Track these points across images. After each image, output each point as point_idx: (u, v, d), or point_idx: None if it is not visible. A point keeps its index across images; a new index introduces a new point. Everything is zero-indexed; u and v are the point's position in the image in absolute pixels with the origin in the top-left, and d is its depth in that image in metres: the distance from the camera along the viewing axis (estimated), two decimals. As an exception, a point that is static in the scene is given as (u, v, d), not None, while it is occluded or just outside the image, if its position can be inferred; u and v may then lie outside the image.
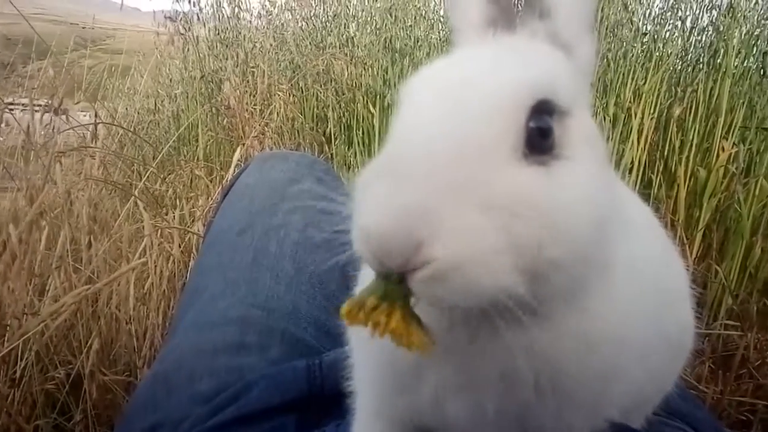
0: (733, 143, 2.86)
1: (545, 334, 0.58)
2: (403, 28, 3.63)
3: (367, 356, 0.74)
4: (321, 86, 3.49)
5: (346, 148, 3.75)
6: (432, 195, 0.47)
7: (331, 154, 3.68)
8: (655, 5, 3.20)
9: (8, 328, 1.85)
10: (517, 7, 0.70)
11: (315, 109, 3.76)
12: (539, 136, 0.53)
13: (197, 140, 3.21)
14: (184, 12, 3.82)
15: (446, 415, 0.66)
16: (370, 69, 3.56)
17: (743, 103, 2.98)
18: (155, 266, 2.29)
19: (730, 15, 2.99)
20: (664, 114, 3.11)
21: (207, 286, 1.38)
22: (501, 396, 0.62)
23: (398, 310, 0.52)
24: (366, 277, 0.63)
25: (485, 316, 0.52)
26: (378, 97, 3.58)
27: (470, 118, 0.52)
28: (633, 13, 3.13)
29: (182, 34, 3.67)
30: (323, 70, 3.49)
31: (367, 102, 3.56)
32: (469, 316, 0.55)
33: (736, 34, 2.98)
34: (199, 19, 3.78)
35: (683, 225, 2.80)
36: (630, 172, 2.97)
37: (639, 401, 0.88)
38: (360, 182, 0.54)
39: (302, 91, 3.72)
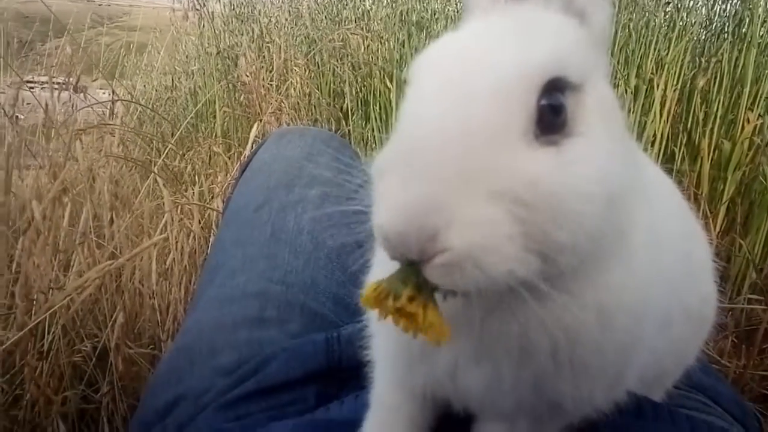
0: (759, 114, 2.80)
1: (563, 307, 0.58)
2: (419, 1, 3.58)
3: (385, 326, 0.72)
4: (337, 61, 3.46)
5: (364, 123, 3.73)
6: (443, 186, 0.48)
7: (348, 130, 3.66)
8: (679, -27, 3.12)
9: (35, 302, 1.88)
10: None
11: (332, 85, 3.73)
12: (551, 115, 0.52)
13: (215, 117, 3.22)
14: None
15: (463, 385, 0.67)
16: (386, 43, 3.52)
17: (769, 73, 2.91)
18: (176, 242, 2.32)
19: (757, -18, 2.90)
20: (688, 85, 3.04)
21: (226, 261, 1.40)
22: (518, 366, 0.62)
23: (431, 303, 0.53)
24: (383, 258, 0.62)
25: (500, 293, 0.53)
26: (395, 71, 3.55)
27: (478, 102, 0.51)
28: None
29: (197, 9, 3.65)
30: (339, 45, 3.46)
31: (383, 77, 3.53)
32: (485, 294, 0.54)
33: (761, 2, 2.89)
34: (213, -5, 3.77)
35: (707, 198, 2.76)
36: (652, 144, 2.92)
37: (659, 373, 0.88)
38: (375, 170, 0.54)
39: (318, 66, 3.69)
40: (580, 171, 0.52)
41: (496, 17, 0.63)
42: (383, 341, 0.79)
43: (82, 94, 3.25)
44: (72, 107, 3.02)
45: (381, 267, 0.67)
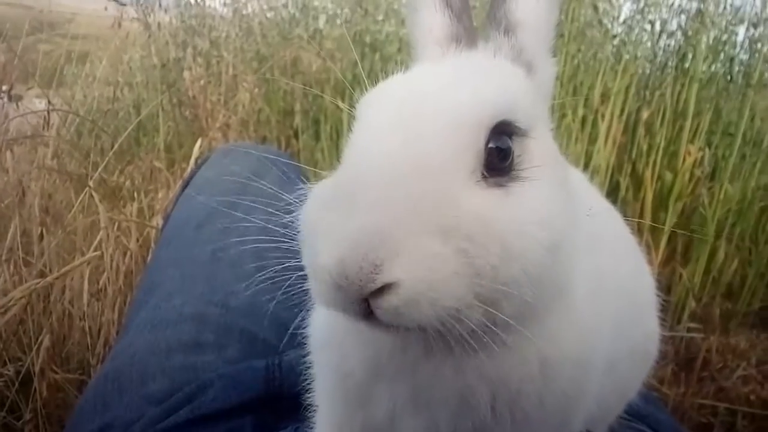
0: (699, 147, 2.90)
1: (502, 359, 0.57)
2: (373, 23, 3.59)
3: (325, 369, 0.74)
4: (289, 78, 3.42)
5: (314, 142, 3.69)
6: (390, 219, 0.47)
7: (298, 149, 3.62)
8: (625, 7, 3.22)
9: (-48, 322, 1.76)
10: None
11: (282, 102, 3.69)
12: (498, 158, 0.53)
13: (158, 131, 3.12)
14: (146, -1, 3.72)
15: None
16: (339, 63, 3.50)
17: (710, 107, 3.02)
18: (111, 260, 2.21)
19: (699, 20, 3.02)
20: (633, 117, 3.13)
21: (163, 281, 1.35)
22: (455, 417, 0.62)
23: None
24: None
25: (440, 336, 0.52)
26: (347, 91, 3.50)
27: (429, 140, 0.51)
28: (603, 14, 3.14)
29: (139, 19, 3.55)
30: (290, 62, 3.42)
31: (335, 96, 3.51)
32: (424, 337, 0.54)
33: (703, 39, 3.01)
34: (160, 5, 3.67)
35: (650, 229, 2.82)
36: (598, 174, 2.98)
37: (604, 411, 0.87)
38: (307, 218, 0.54)
39: (269, 83, 3.65)
40: (525, 215, 0.52)
41: (448, 61, 0.65)
42: (322, 384, 0.77)
43: (16, 104, 3.10)
44: (4, 116, 2.88)
45: (337, 322, 0.68)
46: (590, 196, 0.92)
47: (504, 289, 0.50)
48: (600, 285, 0.67)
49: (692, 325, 2.62)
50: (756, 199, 2.95)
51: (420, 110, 0.54)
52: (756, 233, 2.99)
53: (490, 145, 0.53)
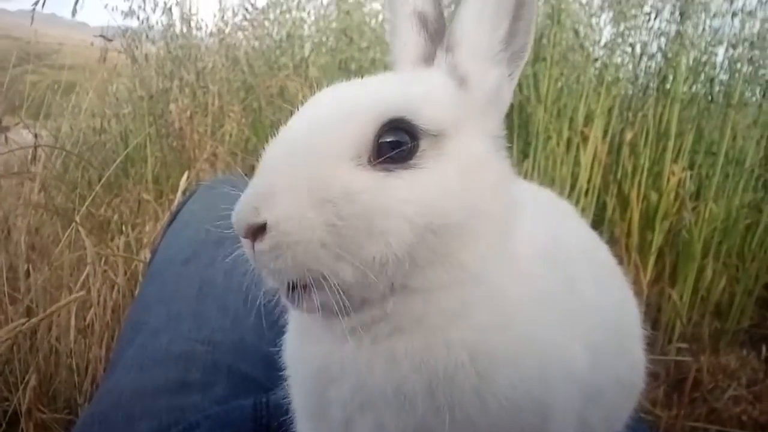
0: (683, 167, 2.92)
1: (425, 343, 0.64)
2: (358, 50, 3.61)
3: (291, 387, 0.80)
4: (276, 108, 3.44)
5: (302, 170, 3.67)
6: (275, 184, 0.59)
7: (287, 177, 3.60)
8: (606, 31, 3.26)
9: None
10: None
11: (269, 130, 3.68)
12: (390, 148, 0.61)
13: (145, 161, 3.11)
14: (132, 29, 3.72)
15: None
16: (325, 90, 3.52)
17: (692, 127, 3.05)
18: (98, 296, 2.18)
19: (679, 42, 3.07)
20: (617, 138, 3.16)
21: (149, 319, 1.33)
22: (398, 414, 0.65)
23: None
24: (296, 315, 0.76)
25: (368, 324, 0.64)
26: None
27: (321, 126, 0.63)
28: (584, 38, 3.18)
29: (123, 52, 3.56)
30: (277, 92, 3.43)
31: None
32: (357, 326, 0.64)
33: (683, 60, 3.05)
34: (147, 37, 3.68)
35: (637, 248, 2.84)
36: (586, 194, 3.00)
37: None
38: None
39: (256, 112, 3.65)
40: (399, 194, 0.60)
41: (395, 74, 0.77)
42: (293, 404, 0.81)
43: (4, 136, 3.09)
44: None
45: (296, 323, 0.78)
46: (573, 226, 0.96)
47: (369, 260, 0.59)
48: (562, 299, 0.72)
49: (682, 345, 2.62)
50: (741, 216, 2.97)
51: (327, 104, 0.66)
52: (742, 251, 3.01)
53: (384, 136, 0.61)
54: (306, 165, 0.60)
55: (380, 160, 0.61)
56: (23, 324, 1.64)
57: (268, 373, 1.23)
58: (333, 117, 0.63)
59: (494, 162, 0.70)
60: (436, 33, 0.76)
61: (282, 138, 0.65)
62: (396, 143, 0.62)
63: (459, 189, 0.64)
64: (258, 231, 0.58)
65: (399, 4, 0.78)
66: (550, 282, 0.70)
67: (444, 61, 0.72)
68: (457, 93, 0.70)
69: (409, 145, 0.62)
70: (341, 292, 0.59)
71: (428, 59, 0.74)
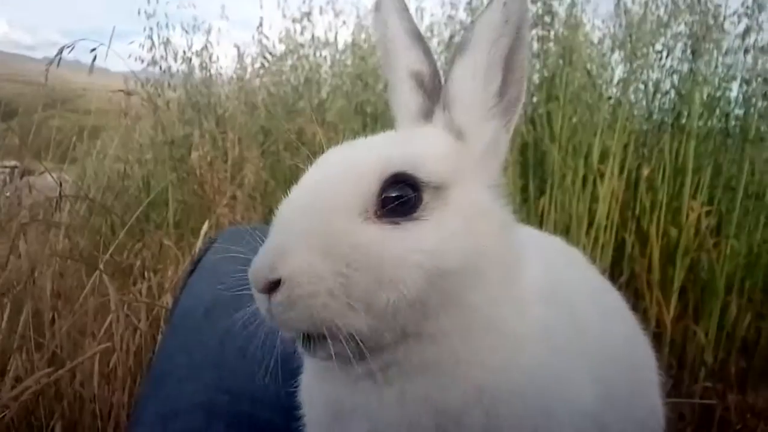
0: (702, 203, 2.90)
1: (435, 384, 0.66)
2: (374, 94, 3.67)
3: (307, 424, 0.83)
4: (294, 151, 3.49)
5: (320, 213, 3.70)
6: (287, 238, 0.63)
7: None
8: (618, 69, 3.28)
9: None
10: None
11: (287, 174, 3.75)
12: (394, 202, 0.65)
13: (167, 205, 3.16)
14: (154, 75, 3.82)
15: None
16: (342, 133, 3.57)
17: (709, 162, 3.04)
18: (121, 341, 2.20)
19: (691, 79, 3.07)
20: (634, 174, 3.15)
21: (172, 370, 1.33)
22: None
23: None
24: (310, 362, 0.80)
25: (381, 368, 0.66)
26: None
27: (330, 185, 0.67)
28: (597, 77, 3.20)
29: (144, 100, 3.64)
30: (295, 135, 3.49)
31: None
32: (371, 371, 0.66)
33: (697, 96, 3.05)
34: (169, 85, 3.78)
35: (659, 284, 2.81)
36: (605, 231, 2.98)
37: None
38: None
39: (275, 156, 3.71)
40: (406, 244, 0.63)
41: (396, 131, 0.81)
42: None
43: (29, 178, 3.15)
44: (18, 197, 2.93)
45: (311, 363, 0.80)
46: (580, 270, 0.99)
47: (381, 307, 0.62)
48: (567, 336, 0.73)
49: (708, 384, 2.56)
50: (763, 251, 2.93)
51: (334, 164, 0.70)
52: (766, 286, 2.95)
53: (388, 191, 0.65)
54: (316, 222, 0.63)
55: (386, 212, 0.64)
56: (49, 374, 1.66)
57: (289, 421, 1.24)
58: (340, 175, 0.67)
59: (495, 209, 0.73)
60: (433, 90, 0.79)
61: (294, 197, 0.69)
62: (400, 197, 0.65)
63: (463, 235, 0.67)
64: (273, 286, 0.62)
65: (395, 65, 0.82)
66: (554, 321, 0.72)
67: (441, 117, 0.75)
68: (456, 146, 0.73)
69: (413, 198, 0.66)
70: (355, 341, 0.62)
71: (427, 115, 0.78)
